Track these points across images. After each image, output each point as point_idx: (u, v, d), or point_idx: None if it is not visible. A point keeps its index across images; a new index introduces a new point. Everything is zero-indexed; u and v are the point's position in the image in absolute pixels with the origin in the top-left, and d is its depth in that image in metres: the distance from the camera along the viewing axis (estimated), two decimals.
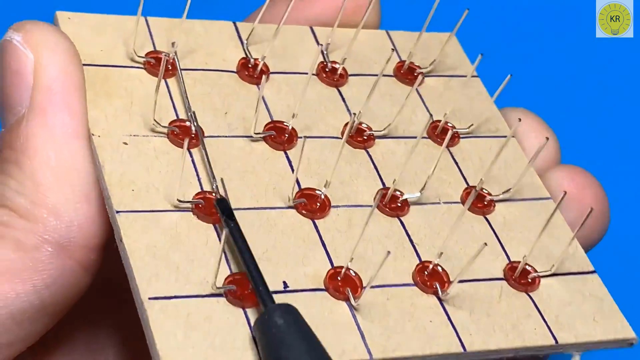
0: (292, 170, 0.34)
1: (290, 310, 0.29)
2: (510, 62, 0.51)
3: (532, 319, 0.33)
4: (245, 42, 0.38)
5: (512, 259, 0.34)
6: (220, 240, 0.32)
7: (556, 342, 0.32)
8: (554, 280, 0.34)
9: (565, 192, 0.33)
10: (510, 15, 0.53)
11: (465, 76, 0.39)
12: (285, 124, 0.35)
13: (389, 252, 0.30)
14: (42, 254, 0.32)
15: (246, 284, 0.30)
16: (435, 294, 0.32)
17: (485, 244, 0.32)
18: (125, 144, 0.33)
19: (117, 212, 0.31)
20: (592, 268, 0.35)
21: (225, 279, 0.31)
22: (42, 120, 0.33)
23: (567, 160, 0.48)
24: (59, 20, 0.36)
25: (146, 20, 0.37)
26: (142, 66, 0.36)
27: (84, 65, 0.34)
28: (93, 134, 0.33)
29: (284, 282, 0.31)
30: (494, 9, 0.53)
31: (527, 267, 0.34)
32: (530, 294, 0.33)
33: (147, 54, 0.36)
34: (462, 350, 0.31)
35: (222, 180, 0.33)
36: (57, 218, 0.32)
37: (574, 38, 0.52)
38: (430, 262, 0.33)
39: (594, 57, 0.52)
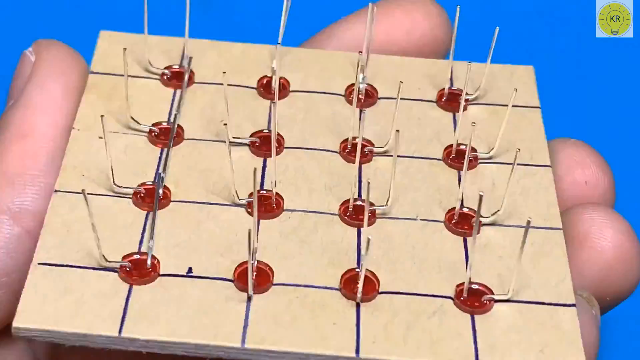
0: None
1: None
2: (509, 62, 0.51)
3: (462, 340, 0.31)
4: (273, 64, 0.38)
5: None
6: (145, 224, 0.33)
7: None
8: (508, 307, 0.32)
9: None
10: (509, 15, 0.53)
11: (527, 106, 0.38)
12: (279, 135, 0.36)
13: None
14: None
15: (143, 264, 0.32)
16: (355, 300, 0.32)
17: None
18: (101, 138, 0.35)
19: (55, 191, 0.34)
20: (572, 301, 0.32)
21: (124, 257, 0.32)
22: (24, 103, 0.36)
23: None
24: (100, 37, 0.39)
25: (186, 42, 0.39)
26: (157, 77, 0.38)
27: (99, 73, 0.37)
28: (74, 128, 0.35)
29: (189, 268, 0.32)
30: (492, 9, 0.53)
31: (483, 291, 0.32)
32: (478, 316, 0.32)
33: (165, 67, 0.38)
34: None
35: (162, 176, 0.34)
36: (11, 186, 0.34)
37: (574, 38, 0.52)
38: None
39: (594, 57, 0.52)
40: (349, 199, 0.34)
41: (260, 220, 0.34)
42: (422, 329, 0.31)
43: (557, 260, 0.33)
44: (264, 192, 0.35)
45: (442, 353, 0.31)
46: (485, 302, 0.32)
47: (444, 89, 0.39)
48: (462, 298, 0.32)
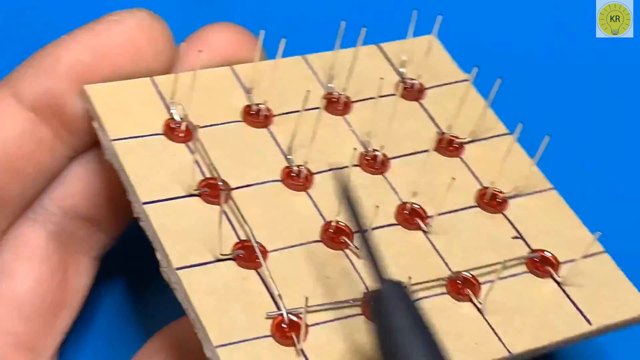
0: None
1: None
2: (509, 63, 0.51)
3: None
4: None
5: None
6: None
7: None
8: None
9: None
10: (509, 15, 0.53)
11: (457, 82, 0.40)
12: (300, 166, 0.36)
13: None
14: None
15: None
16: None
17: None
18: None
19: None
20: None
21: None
22: None
23: (566, 161, 0.48)
24: (91, 95, 0.35)
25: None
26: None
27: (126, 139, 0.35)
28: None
29: None
30: (492, 9, 0.53)
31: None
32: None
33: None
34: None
35: None
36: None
37: (574, 38, 0.52)
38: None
39: (593, 57, 0.52)
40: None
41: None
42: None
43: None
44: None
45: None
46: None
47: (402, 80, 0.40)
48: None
